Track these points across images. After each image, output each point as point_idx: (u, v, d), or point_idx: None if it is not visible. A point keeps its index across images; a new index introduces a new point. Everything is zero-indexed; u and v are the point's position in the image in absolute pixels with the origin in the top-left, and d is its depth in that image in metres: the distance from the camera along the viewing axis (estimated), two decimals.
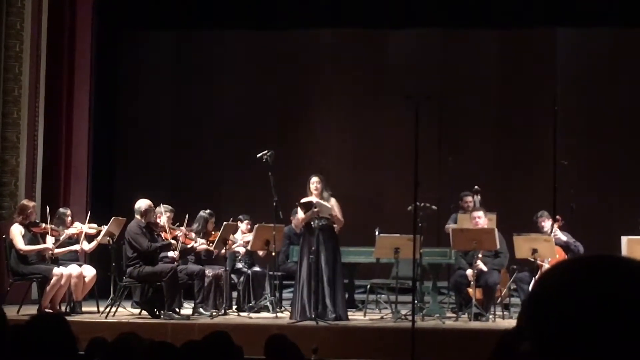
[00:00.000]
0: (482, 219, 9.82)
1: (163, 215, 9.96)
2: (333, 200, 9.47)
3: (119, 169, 13.53)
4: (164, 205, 10.09)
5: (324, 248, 9.28)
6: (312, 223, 9.32)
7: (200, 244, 10.11)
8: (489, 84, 13.35)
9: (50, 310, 9.38)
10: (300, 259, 9.46)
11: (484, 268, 9.58)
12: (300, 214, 9.51)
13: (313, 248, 9.25)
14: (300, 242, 9.66)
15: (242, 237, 10.70)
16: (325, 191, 9.46)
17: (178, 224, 10.07)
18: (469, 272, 9.55)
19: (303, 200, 9.42)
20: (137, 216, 9.57)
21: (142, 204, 9.61)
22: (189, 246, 9.99)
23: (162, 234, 9.76)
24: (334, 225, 9.44)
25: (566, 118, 11.73)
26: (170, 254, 9.68)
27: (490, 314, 9.49)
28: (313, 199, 9.35)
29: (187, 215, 9.97)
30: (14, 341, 3.46)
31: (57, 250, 9.79)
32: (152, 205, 9.67)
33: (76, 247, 9.98)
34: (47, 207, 9.91)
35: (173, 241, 9.68)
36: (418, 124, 8.15)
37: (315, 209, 9.25)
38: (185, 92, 13.63)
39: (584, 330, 1.17)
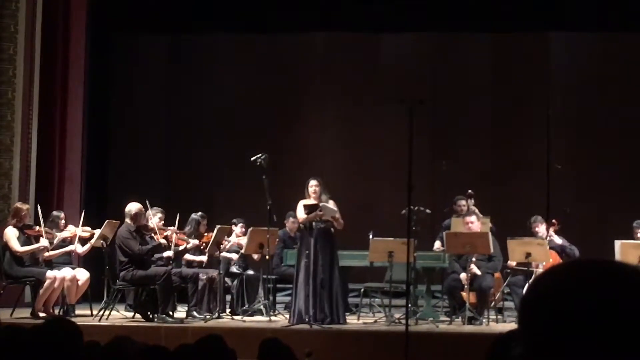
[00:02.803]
0: (475, 224, 9.82)
1: (154, 217, 9.94)
2: (332, 203, 9.48)
3: (113, 172, 13.50)
4: (155, 208, 10.10)
5: (322, 251, 9.28)
6: (312, 225, 9.32)
7: (193, 245, 10.11)
8: (483, 88, 13.36)
9: (45, 314, 9.37)
10: (298, 262, 9.45)
11: (478, 272, 9.59)
12: (300, 213, 9.45)
13: (307, 251, 9.25)
14: (298, 245, 9.65)
15: (237, 240, 10.69)
16: (323, 194, 9.47)
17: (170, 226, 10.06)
18: (463, 275, 9.56)
19: (306, 202, 9.39)
20: (127, 220, 9.56)
21: (132, 207, 9.59)
22: (181, 248, 9.99)
23: (154, 236, 9.75)
24: (332, 229, 9.44)
25: (560, 122, 11.75)
26: (166, 253, 9.67)
27: (484, 317, 9.50)
28: (318, 202, 9.35)
29: (177, 216, 9.95)
30: (27, 343, 3.46)
31: (52, 252, 9.78)
32: (143, 209, 9.65)
33: (71, 247, 9.98)
34: (40, 211, 9.89)
35: (164, 241, 9.65)
36: (412, 127, 8.15)
37: (320, 212, 9.26)
38: (178, 95, 13.62)
39: (575, 335, 1.17)
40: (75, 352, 3.53)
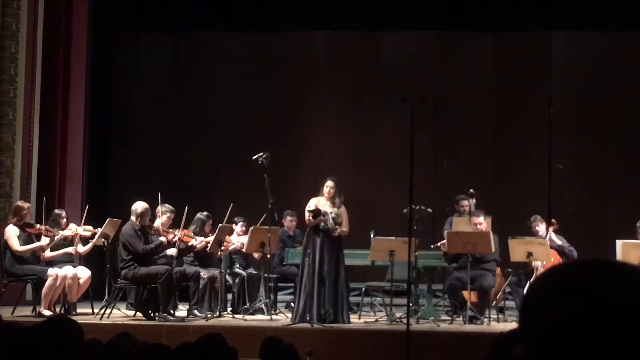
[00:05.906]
0: (483, 225, 9.79)
1: (163, 215, 9.89)
2: (343, 208, 9.46)
3: (114, 171, 13.51)
4: (166, 205, 10.01)
5: (328, 251, 9.28)
6: (319, 225, 9.32)
7: (200, 242, 10.08)
8: (485, 87, 13.35)
9: (49, 312, 9.38)
10: (303, 260, 9.45)
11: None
12: (307, 215, 9.44)
13: (308, 250, 9.26)
14: (304, 244, 9.65)
15: (237, 239, 10.69)
16: (337, 197, 9.45)
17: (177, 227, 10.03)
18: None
19: (316, 202, 9.37)
20: (133, 218, 9.56)
21: (139, 206, 9.60)
22: (189, 244, 9.97)
23: (159, 237, 9.71)
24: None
25: (561, 121, 11.74)
26: (169, 251, 9.64)
27: (485, 317, 9.50)
28: (326, 204, 9.31)
29: (184, 216, 9.93)
30: (28, 341, 3.47)
31: (52, 253, 9.79)
32: (149, 208, 9.65)
33: (71, 249, 9.99)
34: (43, 210, 9.91)
35: (163, 239, 9.59)
36: (413, 126, 8.15)
37: (324, 217, 9.26)
38: (180, 94, 13.62)
39: (575, 335, 1.17)
40: (76, 350, 3.54)
